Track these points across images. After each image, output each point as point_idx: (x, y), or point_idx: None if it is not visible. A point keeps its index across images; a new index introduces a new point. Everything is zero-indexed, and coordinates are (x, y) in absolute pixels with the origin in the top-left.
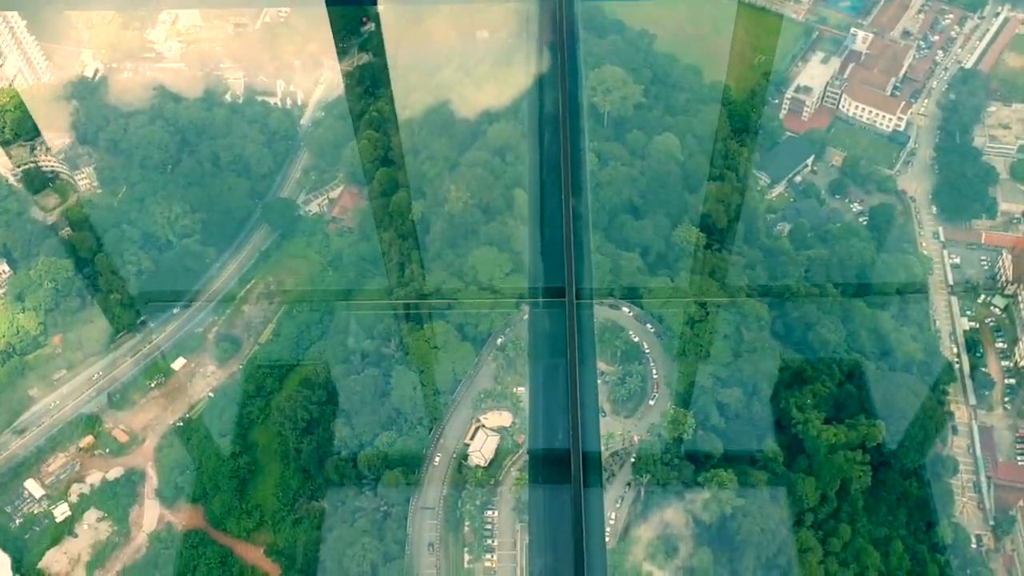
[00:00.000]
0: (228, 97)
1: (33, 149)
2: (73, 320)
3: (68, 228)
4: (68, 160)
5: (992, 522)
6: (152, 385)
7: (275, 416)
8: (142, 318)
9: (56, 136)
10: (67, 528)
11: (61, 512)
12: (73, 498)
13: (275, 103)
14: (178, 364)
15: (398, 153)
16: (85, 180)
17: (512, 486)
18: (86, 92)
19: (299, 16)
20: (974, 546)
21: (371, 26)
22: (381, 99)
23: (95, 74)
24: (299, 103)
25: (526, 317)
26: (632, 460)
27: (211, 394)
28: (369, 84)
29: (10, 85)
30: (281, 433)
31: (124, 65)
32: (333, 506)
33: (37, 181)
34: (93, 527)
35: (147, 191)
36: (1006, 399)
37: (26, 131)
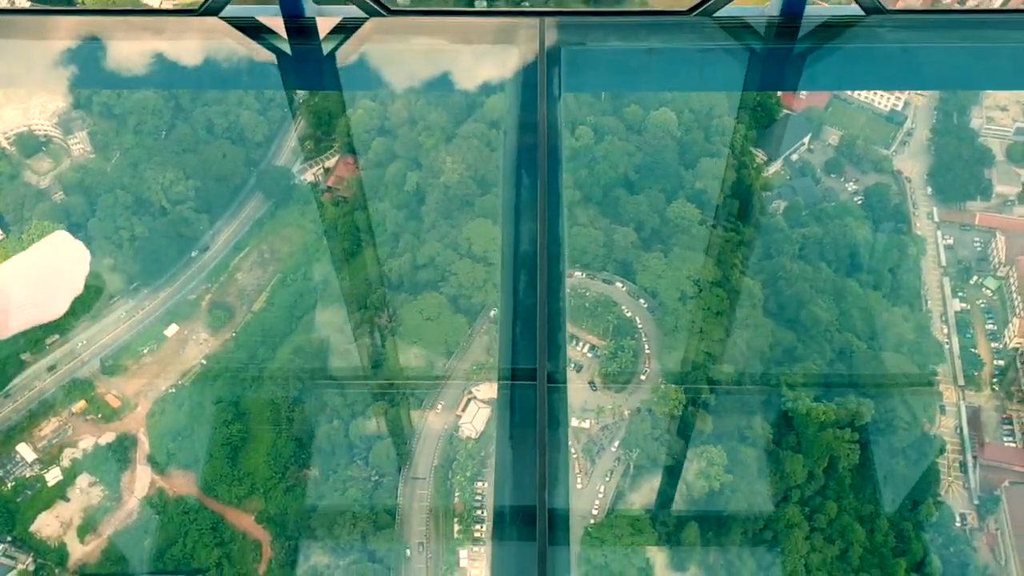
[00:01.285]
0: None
1: (27, 112)
2: None
3: (61, 192)
4: (61, 124)
5: (977, 501)
6: (144, 351)
7: (268, 384)
8: (134, 284)
9: (49, 100)
10: (59, 492)
11: (53, 476)
12: (65, 463)
13: None
14: (171, 331)
15: (394, 123)
16: (78, 144)
17: None
18: (80, 55)
19: None
20: (958, 524)
21: None
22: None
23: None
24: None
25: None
26: (622, 435)
27: (203, 361)
28: None
29: None
30: (273, 401)
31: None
32: (324, 475)
33: (30, 145)
34: (85, 492)
35: (141, 157)
36: (994, 380)
37: (19, 94)
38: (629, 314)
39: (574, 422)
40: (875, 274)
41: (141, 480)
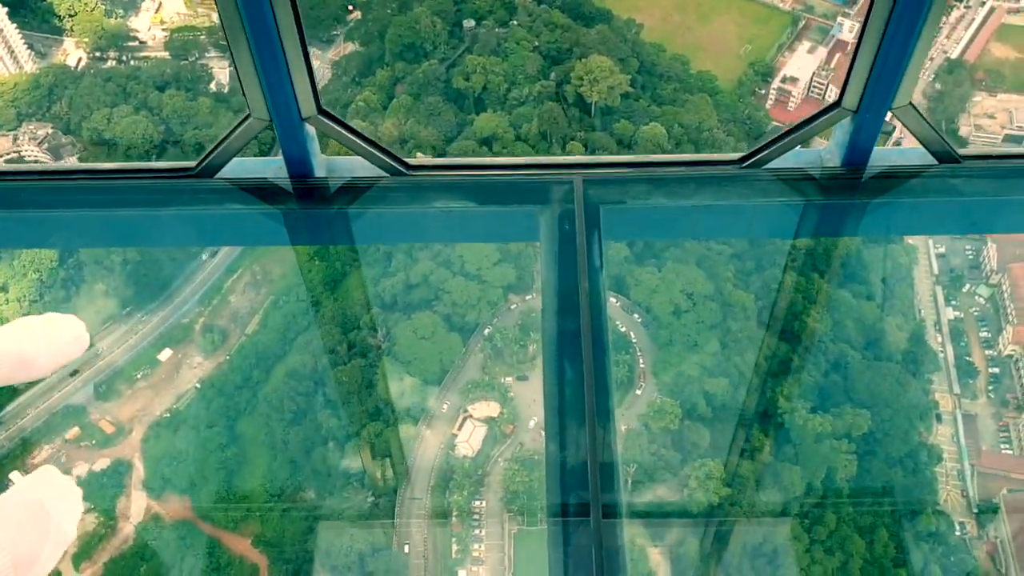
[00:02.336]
0: (213, 86)
1: (16, 139)
2: (58, 311)
3: None
4: (51, 150)
5: (976, 510)
6: (138, 376)
7: (262, 407)
8: (127, 308)
9: (39, 126)
10: None
11: None
12: None
13: None
14: (164, 355)
15: (386, 141)
16: None
17: (499, 477)
18: (70, 81)
19: None
20: (958, 533)
21: (357, 15)
22: (367, 88)
23: (78, 63)
24: None
25: (513, 307)
26: (619, 450)
27: (198, 385)
28: (355, 73)
29: None
30: (268, 424)
31: (108, 54)
32: (320, 497)
33: None
34: (79, 519)
35: None
36: (990, 388)
37: (9, 121)
38: (623, 329)
39: None
40: (868, 284)
41: (136, 506)
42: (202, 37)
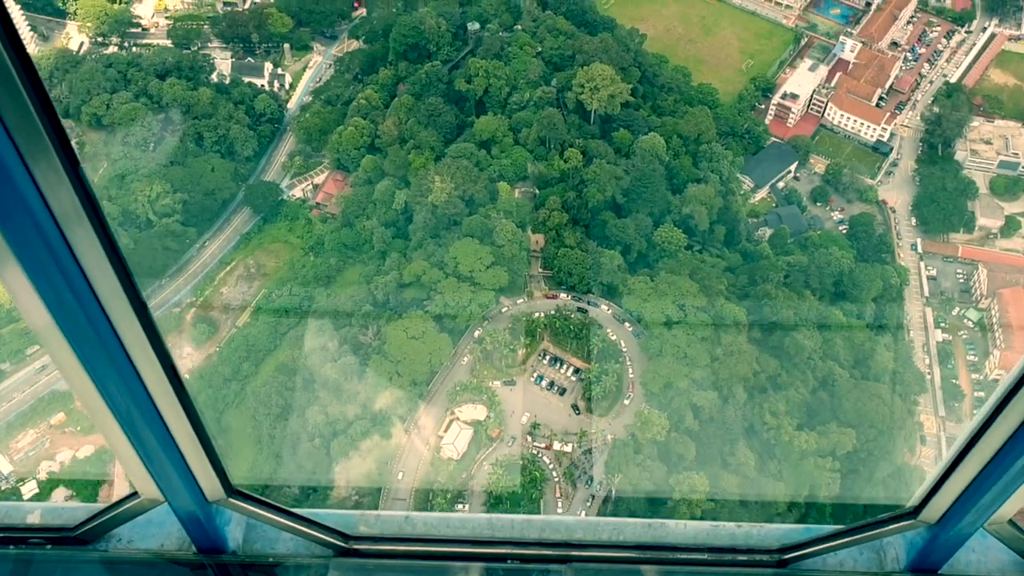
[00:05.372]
0: (215, 77)
1: None
2: None
3: None
4: None
5: None
6: None
7: (250, 400)
8: None
9: None
10: None
11: (29, 489)
12: (42, 475)
13: (262, 85)
14: None
15: (384, 141)
16: None
17: (483, 480)
18: (70, 65)
19: None
20: None
21: (362, 12)
22: (369, 86)
23: (80, 48)
24: (286, 86)
25: (504, 310)
26: (604, 460)
27: (186, 376)
28: (358, 71)
29: None
30: (255, 418)
31: (110, 40)
32: (305, 494)
33: None
34: None
35: (128, 168)
36: (975, 411)
37: None
38: (614, 337)
39: (556, 445)
40: (859, 303)
41: (119, 494)
42: (205, 27)
